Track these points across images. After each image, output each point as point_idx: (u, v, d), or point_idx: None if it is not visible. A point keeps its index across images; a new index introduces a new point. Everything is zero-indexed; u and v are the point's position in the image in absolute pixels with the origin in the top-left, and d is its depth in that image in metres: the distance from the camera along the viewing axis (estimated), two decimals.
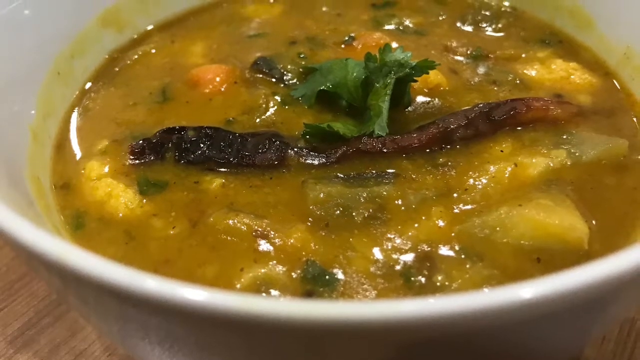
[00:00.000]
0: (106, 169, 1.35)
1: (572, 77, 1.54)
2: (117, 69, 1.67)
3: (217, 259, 1.16)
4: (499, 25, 1.77)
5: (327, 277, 1.12)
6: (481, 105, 1.38)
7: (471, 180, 1.27)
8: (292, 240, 1.16)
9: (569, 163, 1.30)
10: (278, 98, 1.47)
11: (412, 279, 1.12)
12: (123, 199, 1.28)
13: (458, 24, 1.78)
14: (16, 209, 0.99)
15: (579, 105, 1.45)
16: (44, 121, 1.45)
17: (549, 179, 1.27)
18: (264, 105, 1.46)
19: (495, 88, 1.51)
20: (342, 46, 1.67)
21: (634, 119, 1.46)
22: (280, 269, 1.13)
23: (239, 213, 1.21)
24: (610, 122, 1.45)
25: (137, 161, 1.35)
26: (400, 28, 1.76)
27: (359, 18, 1.81)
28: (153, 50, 1.72)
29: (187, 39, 1.76)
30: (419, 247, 1.16)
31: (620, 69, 1.57)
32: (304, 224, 1.20)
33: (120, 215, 1.26)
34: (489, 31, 1.75)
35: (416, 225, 1.19)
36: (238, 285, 1.11)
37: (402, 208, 1.22)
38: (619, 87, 1.55)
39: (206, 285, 1.08)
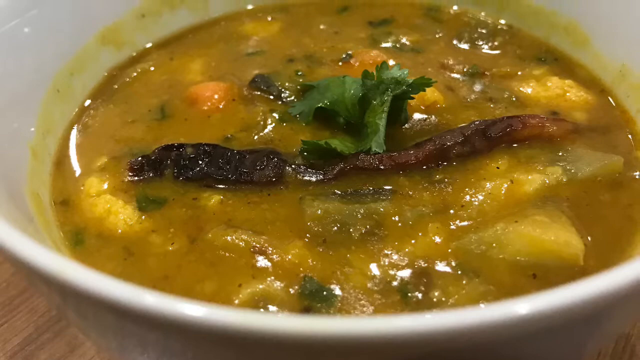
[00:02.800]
0: (105, 186, 1.35)
1: (567, 94, 1.55)
2: (116, 87, 1.68)
3: (216, 274, 1.17)
4: (495, 43, 1.78)
5: (324, 293, 1.12)
6: (477, 122, 1.39)
7: (467, 197, 1.28)
8: (289, 257, 1.17)
9: (564, 180, 1.31)
10: (276, 115, 1.48)
11: (409, 295, 1.12)
12: (122, 215, 1.28)
13: (454, 42, 1.79)
14: (16, 225, 0.99)
15: (574, 123, 1.46)
16: (44, 138, 1.46)
17: (544, 196, 1.28)
18: (262, 122, 1.47)
19: (492, 105, 1.52)
20: (340, 64, 1.68)
21: (629, 136, 1.47)
22: (278, 285, 1.14)
23: (237, 229, 1.22)
24: (605, 139, 1.46)
25: (136, 178, 1.35)
26: (397, 46, 1.77)
27: (356, 36, 1.82)
28: (152, 68, 1.73)
29: (185, 57, 1.77)
30: (415, 264, 1.17)
31: (616, 86, 1.58)
32: (301, 240, 1.20)
33: (119, 231, 1.26)
34: (485, 49, 1.77)
35: (413, 241, 1.20)
36: (236, 301, 1.11)
37: (399, 224, 1.23)
38: (614, 104, 1.56)
39: (205, 301, 1.09)
